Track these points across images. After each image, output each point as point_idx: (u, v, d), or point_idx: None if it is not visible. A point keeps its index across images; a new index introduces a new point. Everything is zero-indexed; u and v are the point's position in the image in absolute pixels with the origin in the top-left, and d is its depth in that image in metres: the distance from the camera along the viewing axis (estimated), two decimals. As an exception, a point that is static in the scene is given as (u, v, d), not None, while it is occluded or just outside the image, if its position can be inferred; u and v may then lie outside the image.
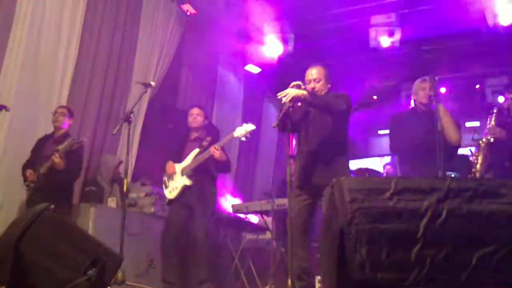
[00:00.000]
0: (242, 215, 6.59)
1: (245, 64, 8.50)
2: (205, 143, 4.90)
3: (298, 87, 3.73)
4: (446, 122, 4.13)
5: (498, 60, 7.62)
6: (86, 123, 5.68)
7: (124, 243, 4.08)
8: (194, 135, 5.14)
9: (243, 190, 8.16)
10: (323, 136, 3.89)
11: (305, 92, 3.70)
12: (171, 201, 5.05)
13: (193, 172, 4.90)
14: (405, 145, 4.33)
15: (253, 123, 4.73)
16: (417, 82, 4.46)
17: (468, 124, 9.37)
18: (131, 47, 6.29)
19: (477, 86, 8.85)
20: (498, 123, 4.41)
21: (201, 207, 4.84)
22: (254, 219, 6.84)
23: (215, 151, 4.70)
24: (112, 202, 5.37)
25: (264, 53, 7.52)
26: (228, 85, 8.41)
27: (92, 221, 4.89)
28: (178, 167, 5.00)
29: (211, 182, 5.03)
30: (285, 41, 7.38)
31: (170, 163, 5.06)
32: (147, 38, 6.47)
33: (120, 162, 5.69)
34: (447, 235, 1.97)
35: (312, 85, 3.95)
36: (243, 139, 4.67)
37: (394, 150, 4.63)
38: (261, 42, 7.39)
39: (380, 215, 1.97)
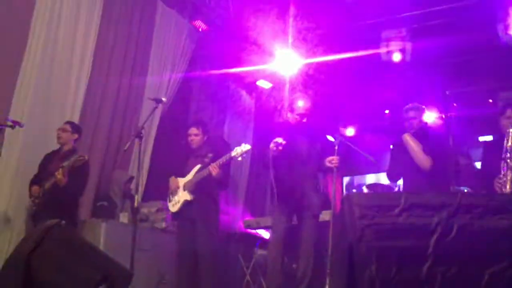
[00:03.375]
0: (253, 231, 6.56)
1: (257, 79, 8.53)
2: (206, 160, 4.94)
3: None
4: (412, 151, 4.39)
5: (511, 73, 7.55)
6: (98, 139, 5.72)
7: (135, 259, 4.08)
8: (197, 151, 5.18)
9: (255, 205, 8.13)
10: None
11: None
12: (174, 215, 5.14)
13: (194, 188, 4.95)
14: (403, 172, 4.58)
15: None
16: (403, 110, 4.60)
17: (482, 138, 9.31)
18: (144, 63, 6.35)
19: (490, 100, 8.78)
20: None
21: (202, 223, 4.88)
22: (265, 234, 6.81)
23: (213, 169, 4.74)
24: (123, 218, 5.39)
25: (275, 69, 7.54)
26: (239, 101, 8.44)
27: (104, 236, 4.90)
28: (181, 182, 5.05)
29: (212, 198, 5.05)
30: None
31: (173, 178, 5.13)
32: (159, 54, 6.53)
33: (131, 178, 5.71)
34: (458, 252, 1.95)
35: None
36: (240, 159, 4.72)
37: (391, 177, 4.84)
38: (272, 58, 7.41)
39: (389, 231, 1.96)
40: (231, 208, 7.48)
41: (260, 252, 6.73)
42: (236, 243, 6.70)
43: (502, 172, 4.03)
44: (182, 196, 4.99)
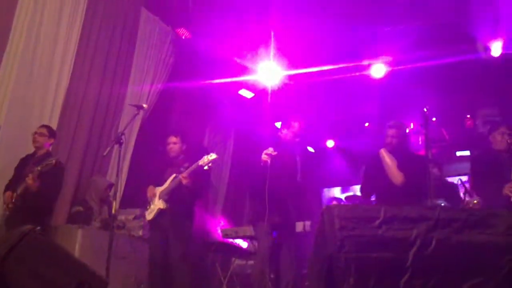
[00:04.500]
0: (231, 240, 6.53)
1: (239, 89, 8.53)
2: (182, 169, 4.94)
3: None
4: (386, 166, 4.53)
5: (489, 90, 7.70)
6: (77, 143, 5.64)
7: (112, 266, 4.02)
8: (175, 160, 5.17)
9: (234, 214, 8.10)
10: None
11: None
12: (149, 223, 5.11)
13: (168, 197, 4.94)
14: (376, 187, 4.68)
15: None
16: (386, 126, 4.71)
17: (459, 153, 9.46)
18: (126, 69, 6.31)
19: (468, 116, 8.93)
20: None
21: (175, 232, 4.88)
22: (243, 244, 6.78)
23: (183, 178, 4.79)
24: (97, 224, 5.31)
25: (258, 79, 7.56)
26: (221, 109, 8.43)
27: (79, 243, 4.82)
28: (158, 190, 5.04)
29: (185, 207, 5.04)
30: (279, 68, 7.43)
31: (150, 187, 5.11)
32: (141, 61, 6.50)
33: (111, 185, 5.64)
34: (436, 265, 1.96)
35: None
36: (206, 168, 4.74)
37: (364, 192, 4.93)
38: (255, 68, 7.43)
39: (369, 243, 1.96)
40: (211, 216, 7.45)
41: (237, 261, 6.69)
42: (214, 252, 6.65)
43: None
44: (157, 205, 4.98)
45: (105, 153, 4.52)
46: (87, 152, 5.77)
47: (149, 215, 5.04)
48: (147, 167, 6.08)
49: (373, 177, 4.70)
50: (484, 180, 4.73)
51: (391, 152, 4.60)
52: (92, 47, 5.85)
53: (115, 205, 4.23)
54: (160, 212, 4.94)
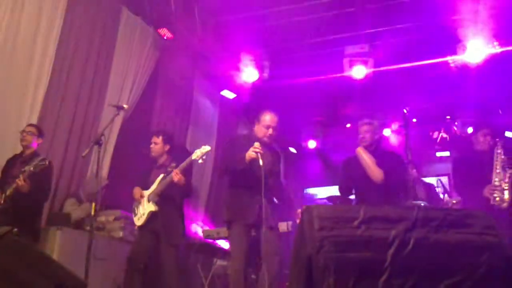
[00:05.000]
0: (213, 241, 6.51)
1: (221, 89, 8.53)
2: (170, 169, 4.86)
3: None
4: (365, 164, 4.53)
5: (467, 91, 7.81)
6: (56, 144, 5.57)
7: (91, 268, 3.99)
8: (159, 161, 5.11)
9: (215, 216, 8.08)
10: None
11: None
12: (140, 228, 4.98)
13: (158, 198, 4.86)
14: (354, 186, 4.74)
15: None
16: (358, 124, 4.78)
17: (439, 154, 9.60)
18: (106, 69, 6.24)
19: (448, 117, 9.06)
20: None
21: (167, 234, 4.79)
22: (225, 245, 6.77)
23: (175, 175, 4.69)
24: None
25: (239, 79, 7.56)
26: (203, 110, 8.41)
27: (58, 244, 4.77)
28: (146, 193, 4.96)
29: (176, 207, 4.98)
30: (260, 68, 7.44)
31: (137, 189, 5.02)
32: (122, 61, 6.44)
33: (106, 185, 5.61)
34: (414, 265, 1.97)
35: (271, 131, 4.41)
36: (200, 161, 4.66)
37: (342, 191, 4.95)
38: (237, 69, 7.43)
39: (348, 243, 1.97)
40: (193, 217, 7.42)
41: (219, 262, 6.67)
42: (195, 253, 6.62)
43: (496, 182, 4.47)
44: (147, 208, 4.87)
45: (83, 154, 4.46)
46: (67, 153, 5.68)
47: (139, 220, 4.91)
48: (130, 168, 6.04)
49: (351, 177, 4.71)
50: (465, 180, 4.82)
51: (367, 149, 4.62)
52: (72, 47, 5.77)
53: (94, 206, 4.17)
54: (152, 215, 4.84)
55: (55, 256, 4.61)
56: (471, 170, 4.75)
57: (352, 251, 1.94)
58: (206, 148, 4.63)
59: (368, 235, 1.99)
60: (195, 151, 4.66)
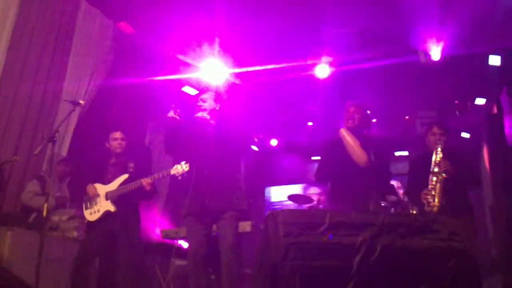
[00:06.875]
0: (171, 241, 6.38)
1: (182, 86, 8.37)
2: (130, 169, 4.73)
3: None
4: (349, 146, 4.29)
5: (428, 92, 7.94)
6: (8, 141, 5.31)
7: (43, 269, 3.85)
8: (115, 159, 4.94)
9: (174, 214, 7.95)
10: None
11: None
12: (90, 224, 4.80)
13: (118, 199, 4.71)
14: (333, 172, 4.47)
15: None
16: (346, 105, 4.58)
17: (398, 153, 9.73)
18: (62, 64, 6.00)
19: (407, 117, 9.19)
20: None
21: (126, 236, 4.65)
22: (184, 244, 6.64)
23: (147, 185, 4.57)
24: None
25: (202, 77, 7.44)
26: (163, 107, 8.23)
27: (9, 245, 4.55)
28: (102, 189, 4.78)
29: (135, 210, 4.87)
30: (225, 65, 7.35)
31: (92, 185, 4.81)
32: (80, 55, 6.21)
33: (65, 159, 5.38)
34: (381, 272, 1.94)
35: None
36: (180, 178, 4.50)
37: (319, 178, 4.71)
38: (199, 65, 7.31)
39: (314, 250, 1.92)
40: (150, 217, 7.27)
41: (178, 262, 6.54)
42: (153, 254, 6.47)
43: (430, 186, 4.31)
44: (104, 206, 4.70)
45: (36, 152, 4.26)
46: (19, 151, 5.43)
47: (93, 215, 4.73)
48: (85, 164, 5.83)
49: (330, 162, 4.49)
50: (416, 182, 4.63)
51: (352, 132, 4.37)
52: (26, 40, 5.53)
53: (46, 206, 3.98)
54: (107, 214, 4.69)
55: (5, 258, 4.42)
56: (424, 172, 4.50)
57: (318, 259, 1.89)
58: (186, 167, 4.32)
59: (334, 242, 1.94)
60: (175, 166, 4.44)
